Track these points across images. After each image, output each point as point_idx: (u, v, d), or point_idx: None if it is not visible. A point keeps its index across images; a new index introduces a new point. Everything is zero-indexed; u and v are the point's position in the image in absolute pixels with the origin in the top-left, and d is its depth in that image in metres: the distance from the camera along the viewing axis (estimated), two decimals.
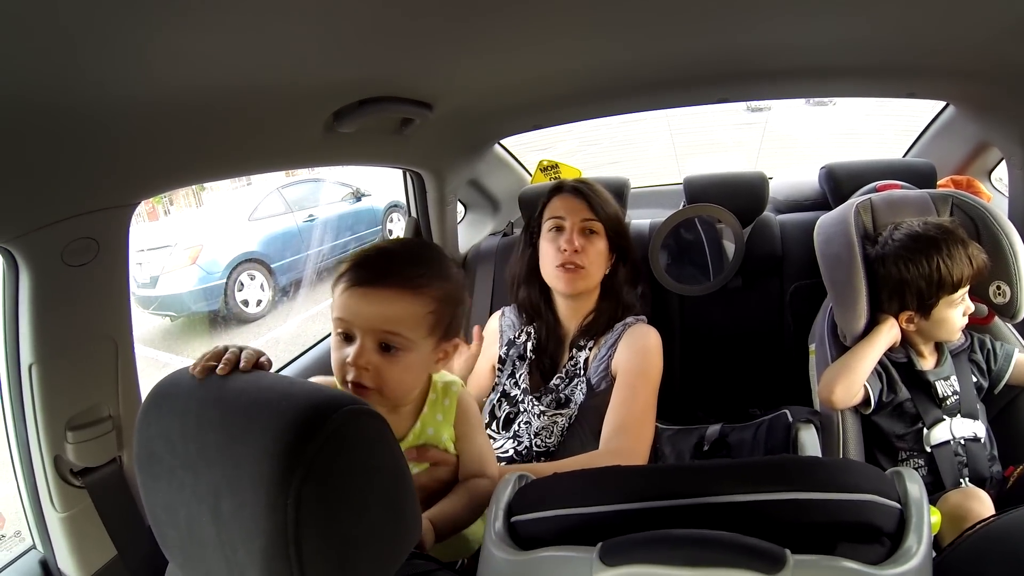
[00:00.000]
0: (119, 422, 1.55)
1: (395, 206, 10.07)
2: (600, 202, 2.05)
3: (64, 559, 1.55)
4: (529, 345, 2.10)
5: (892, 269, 1.92)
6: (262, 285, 8.20)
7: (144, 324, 7.51)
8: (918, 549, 0.86)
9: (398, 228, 10.08)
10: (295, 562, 0.74)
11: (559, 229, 2.05)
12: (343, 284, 1.33)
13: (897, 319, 1.96)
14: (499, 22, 1.33)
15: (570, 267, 2.00)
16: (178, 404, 0.90)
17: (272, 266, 8.36)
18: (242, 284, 8.06)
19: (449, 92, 1.88)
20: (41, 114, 1.09)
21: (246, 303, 8.04)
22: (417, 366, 1.39)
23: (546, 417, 1.93)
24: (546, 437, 1.91)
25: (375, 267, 1.34)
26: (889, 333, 1.95)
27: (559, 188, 2.12)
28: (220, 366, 0.98)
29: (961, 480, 1.89)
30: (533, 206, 2.21)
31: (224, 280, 7.87)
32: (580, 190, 2.07)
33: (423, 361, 1.40)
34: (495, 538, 0.98)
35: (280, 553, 0.74)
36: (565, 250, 2.00)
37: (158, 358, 6.90)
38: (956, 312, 1.90)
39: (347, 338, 1.34)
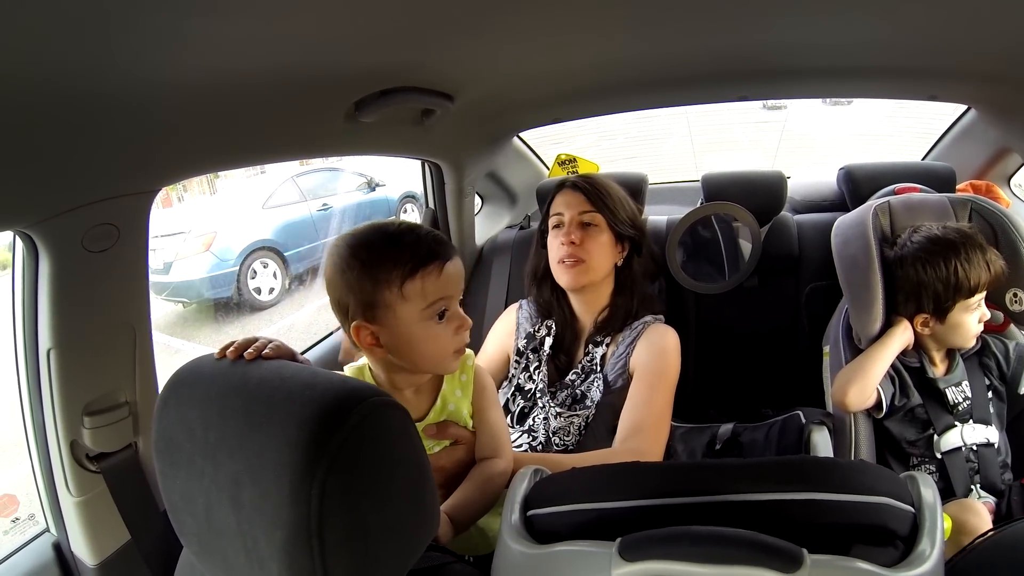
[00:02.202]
0: (135, 408, 1.57)
1: (409, 196, 10.09)
2: (599, 194, 2.06)
3: (77, 543, 1.57)
4: (548, 340, 2.10)
5: (910, 271, 1.91)
6: (275, 273, 8.20)
7: (157, 310, 7.46)
8: (931, 553, 0.86)
9: (412, 219, 10.09)
10: (317, 553, 0.74)
11: (559, 225, 2.07)
12: (438, 263, 1.37)
13: (912, 322, 1.95)
14: (522, 15, 1.34)
15: (569, 261, 2.01)
16: (198, 392, 0.91)
17: (285, 254, 8.36)
18: (255, 272, 8.06)
19: (471, 84, 1.89)
20: (66, 100, 1.10)
21: (259, 291, 8.05)
22: None
23: (563, 418, 1.93)
24: (564, 436, 1.91)
25: (441, 243, 1.40)
26: (903, 336, 1.94)
27: (561, 185, 2.14)
28: (249, 350, 1.01)
29: (972, 487, 1.89)
30: None
31: (237, 267, 7.87)
32: (577, 184, 2.09)
33: None
34: (511, 531, 0.99)
35: (303, 544, 0.74)
36: (564, 244, 2.02)
37: (170, 344, 6.93)
38: (972, 318, 1.89)
39: (441, 315, 1.40)
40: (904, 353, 1.97)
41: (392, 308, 1.35)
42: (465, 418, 1.55)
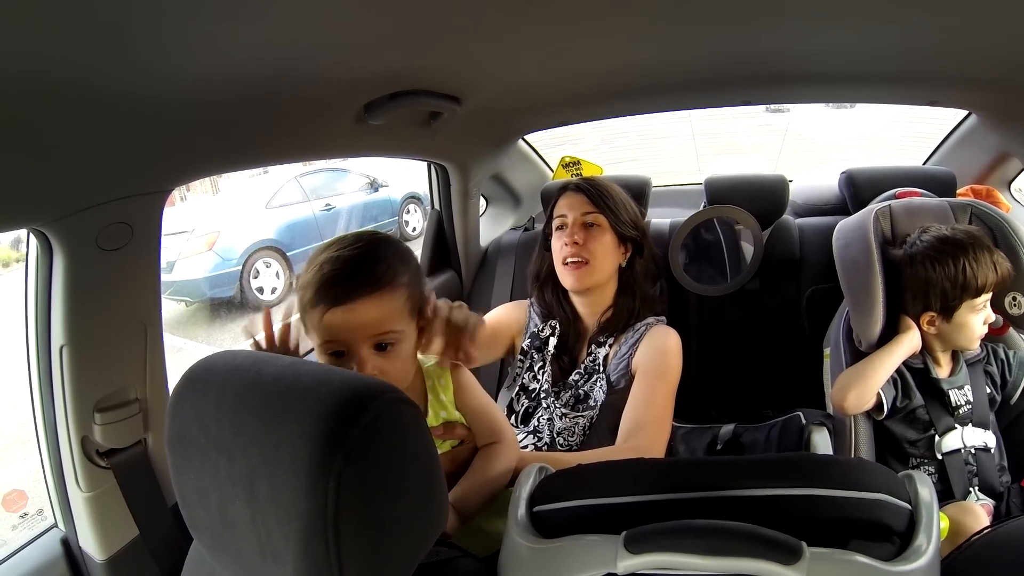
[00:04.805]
0: (146, 405, 1.57)
1: (412, 197, 10.09)
2: (601, 196, 2.07)
3: (86, 538, 1.57)
4: (552, 341, 2.11)
5: (919, 269, 1.93)
6: (278, 273, 8.17)
7: None
8: (927, 548, 0.88)
9: (414, 219, 10.15)
10: (333, 543, 0.75)
11: (563, 227, 2.08)
12: (320, 308, 1.30)
13: (919, 321, 1.97)
14: (530, 21, 1.35)
15: (573, 261, 2.02)
16: (212, 388, 0.91)
17: (288, 254, 8.33)
18: (258, 271, 8.04)
19: (478, 87, 1.91)
20: (84, 101, 1.12)
21: (261, 290, 8.01)
22: (410, 351, 1.43)
23: (568, 419, 1.95)
24: (568, 436, 1.92)
25: (347, 280, 1.31)
26: (910, 343, 1.95)
27: (564, 188, 2.15)
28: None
29: (971, 489, 1.91)
30: None
31: (240, 267, 7.85)
32: (580, 187, 2.10)
33: (412, 344, 1.43)
34: (518, 527, 1.00)
35: (318, 534, 0.75)
36: (568, 244, 2.02)
37: (172, 343, 6.88)
38: (977, 318, 1.91)
39: (338, 354, 1.35)
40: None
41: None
42: (459, 419, 1.56)
